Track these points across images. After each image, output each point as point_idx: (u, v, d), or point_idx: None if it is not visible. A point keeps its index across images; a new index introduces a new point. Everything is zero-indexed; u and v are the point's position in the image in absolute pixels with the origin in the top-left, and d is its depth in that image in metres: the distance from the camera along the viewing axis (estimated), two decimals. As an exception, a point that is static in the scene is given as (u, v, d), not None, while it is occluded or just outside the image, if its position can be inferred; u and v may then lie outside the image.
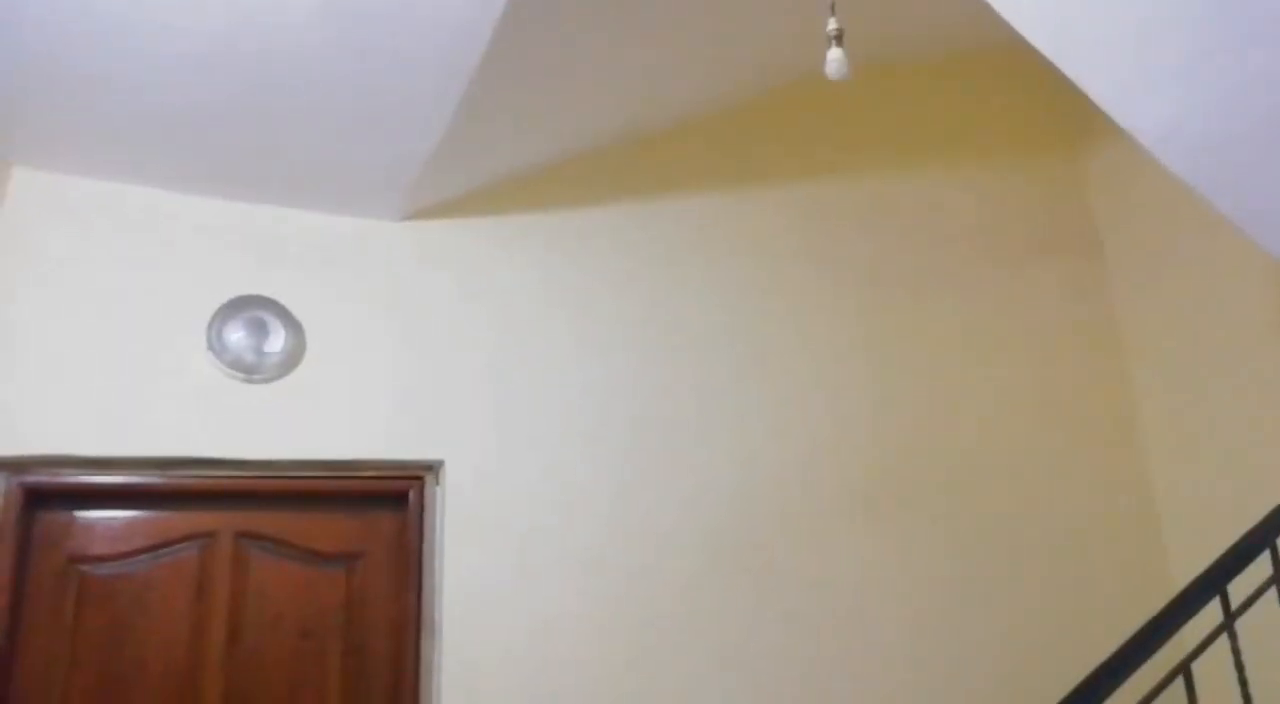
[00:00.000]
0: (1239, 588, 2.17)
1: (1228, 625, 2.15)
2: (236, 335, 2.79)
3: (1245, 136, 1.72)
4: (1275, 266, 2.94)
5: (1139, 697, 2.06)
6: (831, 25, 2.06)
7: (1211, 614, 2.18)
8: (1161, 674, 2.10)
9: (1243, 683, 2.12)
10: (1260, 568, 2.19)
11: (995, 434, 3.44)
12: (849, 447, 3.29)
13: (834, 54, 2.05)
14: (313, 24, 2.24)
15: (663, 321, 3.23)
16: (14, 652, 2.60)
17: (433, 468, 2.95)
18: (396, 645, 2.85)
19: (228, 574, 2.78)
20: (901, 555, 3.25)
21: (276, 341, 2.82)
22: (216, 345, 2.77)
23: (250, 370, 2.79)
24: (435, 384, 2.98)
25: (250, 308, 2.82)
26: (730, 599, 3.06)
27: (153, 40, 2.30)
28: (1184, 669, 2.10)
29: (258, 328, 2.81)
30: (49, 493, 2.69)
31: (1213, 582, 2.16)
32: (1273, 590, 2.18)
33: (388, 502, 2.95)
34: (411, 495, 2.95)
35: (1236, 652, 2.14)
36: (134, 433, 2.69)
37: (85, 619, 2.67)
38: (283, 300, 2.87)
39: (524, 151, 3.01)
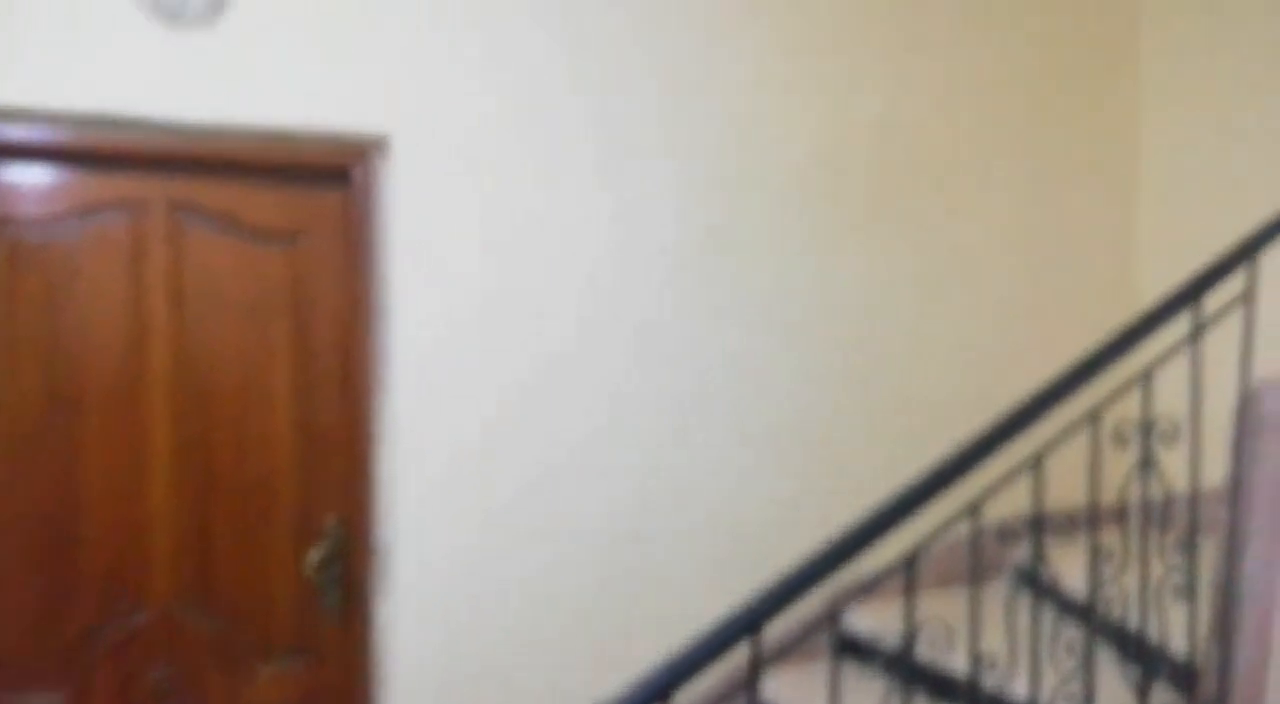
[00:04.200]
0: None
1: (1195, 333, 2.16)
2: (153, -29, 2.44)
3: None
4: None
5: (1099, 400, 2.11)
6: None
7: (1176, 334, 2.20)
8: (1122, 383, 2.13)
9: (1195, 390, 2.16)
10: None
11: (994, 128, 3.43)
12: (823, 160, 3.19)
13: None
14: None
15: (650, 11, 2.94)
16: (-64, 312, 2.47)
17: (379, 143, 2.73)
18: (344, 331, 2.77)
19: (163, 245, 2.61)
20: (891, 258, 3.31)
21: (200, -17, 2.48)
22: (131, -18, 2.42)
23: (173, 11, 2.46)
24: (384, 45, 2.68)
25: (168, -60, 2.45)
26: (723, 309, 3.06)
27: None
28: (1145, 375, 2.14)
29: (177, -35, 2.45)
30: (-45, 144, 2.44)
31: (1190, 291, 2.14)
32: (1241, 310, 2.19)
33: (331, 178, 2.75)
34: (356, 172, 2.75)
35: (1196, 362, 2.17)
36: (47, 83, 2.39)
37: (20, 282, 2.51)
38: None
39: None
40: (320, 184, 2.75)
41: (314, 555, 2.76)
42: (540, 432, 2.86)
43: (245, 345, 2.70)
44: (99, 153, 2.54)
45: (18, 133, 2.45)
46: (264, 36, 2.57)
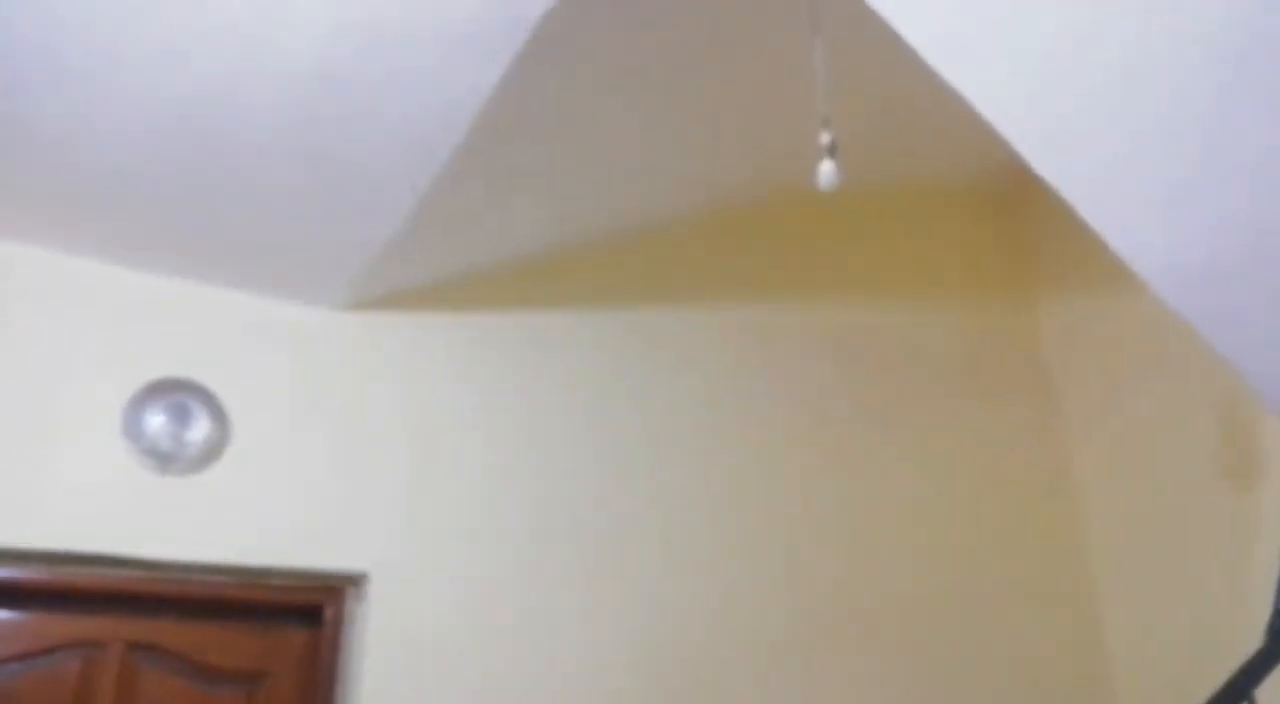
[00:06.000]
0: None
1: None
2: (156, 420, 2.56)
3: (1239, 268, 1.72)
4: (1227, 414, 2.98)
5: None
6: (824, 138, 2.06)
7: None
8: None
9: None
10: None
11: (941, 576, 3.33)
12: (790, 581, 3.14)
13: (826, 166, 2.04)
14: (290, 90, 2.14)
15: (613, 440, 3.09)
16: None
17: (356, 581, 2.71)
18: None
19: (111, 690, 2.46)
20: (838, 697, 3.06)
21: (199, 430, 2.60)
22: (133, 430, 2.53)
23: (166, 460, 2.55)
24: (367, 490, 2.76)
25: (175, 391, 2.60)
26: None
27: (100, 94, 2.16)
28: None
29: (180, 413, 2.58)
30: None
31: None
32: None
33: (300, 617, 2.68)
34: (328, 611, 2.69)
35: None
36: (26, 522, 2.41)
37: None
38: (210, 386, 2.66)
39: (484, 249, 2.92)
40: (289, 622, 2.68)
41: None
42: None
43: (182, 805, 2.45)
44: (63, 591, 2.49)
45: (-12, 573, 2.41)
46: (248, 481, 2.65)
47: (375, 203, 2.45)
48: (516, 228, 2.88)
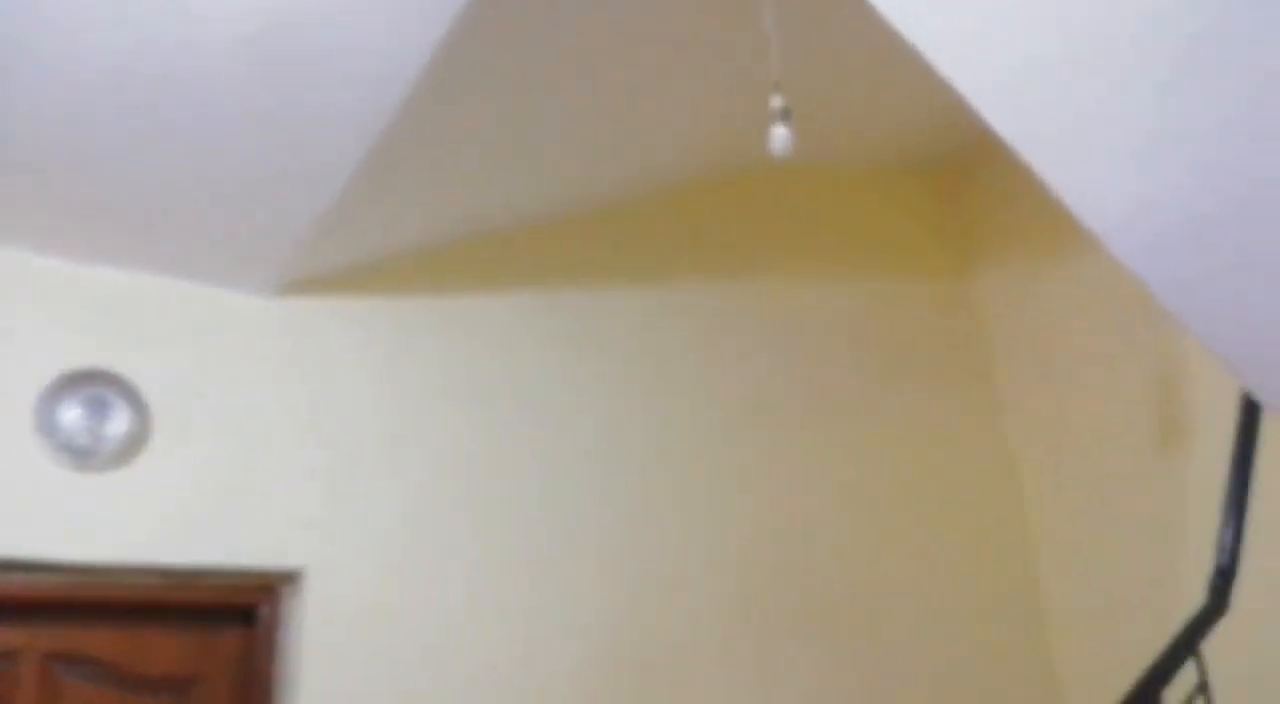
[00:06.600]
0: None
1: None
2: (71, 414, 2.40)
3: (1199, 232, 1.74)
4: (1162, 383, 3.07)
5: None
6: (777, 102, 2.03)
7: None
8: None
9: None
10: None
11: (885, 562, 3.32)
12: (725, 568, 3.10)
13: (779, 132, 2.01)
14: (215, 62, 2.02)
15: (550, 426, 3.02)
16: None
17: (292, 578, 2.59)
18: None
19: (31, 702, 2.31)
20: (773, 688, 3.03)
21: (118, 423, 2.44)
22: (47, 424, 2.36)
23: (83, 456, 2.39)
24: (299, 483, 2.65)
25: (91, 383, 2.44)
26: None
27: (16, 62, 2.00)
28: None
29: (97, 406, 2.43)
30: None
31: (1148, 689, 2.10)
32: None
33: (233, 617, 2.56)
34: (263, 610, 2.57)
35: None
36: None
37: None
38: (129, 377, 2.51)
39: (416, 228, 2.81)
40: (221, 624, 2.55)
41: None
42: None
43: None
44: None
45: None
46: (172, 476, 2.52)
47: (307, 177, 2.33)
48: (449, 206, 2.79)
